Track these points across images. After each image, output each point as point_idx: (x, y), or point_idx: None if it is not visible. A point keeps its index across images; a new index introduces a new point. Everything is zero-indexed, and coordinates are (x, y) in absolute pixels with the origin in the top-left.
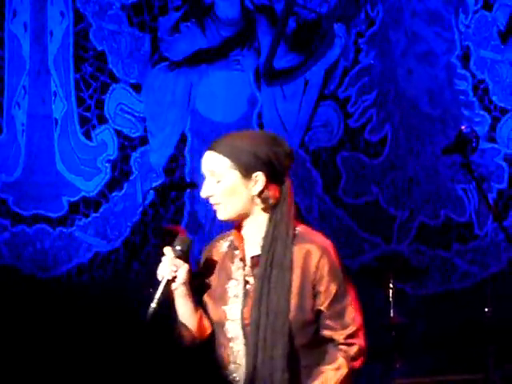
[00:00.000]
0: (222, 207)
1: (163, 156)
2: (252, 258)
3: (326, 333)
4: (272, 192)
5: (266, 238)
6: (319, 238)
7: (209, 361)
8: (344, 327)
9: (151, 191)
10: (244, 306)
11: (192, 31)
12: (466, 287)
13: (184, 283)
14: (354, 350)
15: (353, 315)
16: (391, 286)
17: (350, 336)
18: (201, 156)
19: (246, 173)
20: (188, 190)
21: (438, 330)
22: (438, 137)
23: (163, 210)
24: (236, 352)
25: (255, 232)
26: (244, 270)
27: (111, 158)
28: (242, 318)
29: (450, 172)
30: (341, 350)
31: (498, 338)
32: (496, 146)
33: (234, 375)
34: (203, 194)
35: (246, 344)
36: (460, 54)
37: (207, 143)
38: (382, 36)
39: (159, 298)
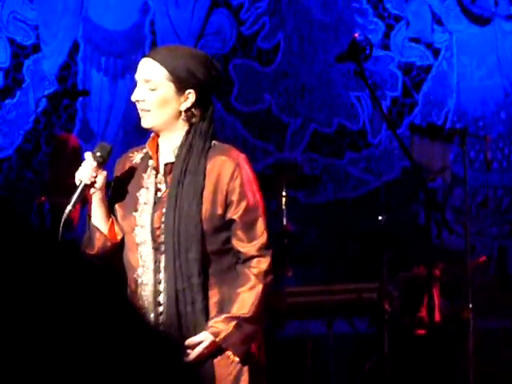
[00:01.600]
0: (149, 115)
1: (56, 64)
2: (166, 165)
3: (236, 244)
4: (197, 111)
5: (181, 147)
6: (234, 151)
7: (112, 270)
8: (254, 239)
9: (43, 99)
10: (154, 211)
11: None
12: (359, 196)
13: (101, 188)
14: (264, 265)
15: (263, 228)
16: (284, 193)
17: (260, 248)
18: (93, 64)
19: (180, 87)
20: (80, 98)
21: (331, 238)
22: (331, 44)
23: (55, 118)
24: (145, 256)
25: (171, 144)
26: (156, 177)
27: (4, 66)
28: (152, 223)
29: (343, 80)
30: (251, 267)
31: (392, 246)
32: (390, 53)
33: (142, 278)
34: (135, 97)
35: (154, 248)
36: None
37: (99, 51)
38: None
39: (75, 201)
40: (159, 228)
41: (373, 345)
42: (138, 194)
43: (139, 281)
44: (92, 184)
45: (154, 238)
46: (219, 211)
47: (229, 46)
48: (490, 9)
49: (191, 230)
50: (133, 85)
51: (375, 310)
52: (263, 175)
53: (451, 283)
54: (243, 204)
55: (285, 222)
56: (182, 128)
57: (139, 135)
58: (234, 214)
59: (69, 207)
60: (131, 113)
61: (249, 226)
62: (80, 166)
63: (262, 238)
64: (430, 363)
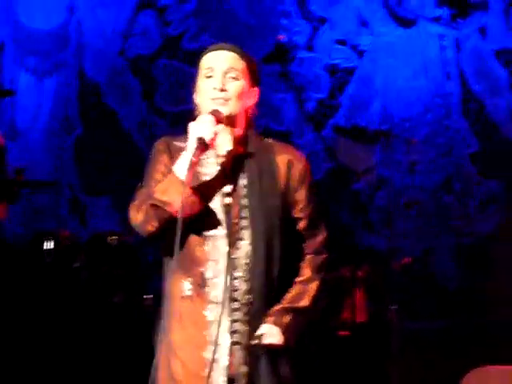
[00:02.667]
0: (231, 103)
1: None
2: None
3: (300, 240)
4: (253, 111)
5: (247, 141)
6: (297, 150)
7: None
8: (316, 235)
9: None
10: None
11: None
12: None
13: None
14: (321, 259)
15: (323, 227)
16: None
17: (322, 244)
18: (18, 63)
19: (252, 83)
20: (7, 98)
21: None
22: (256, 46)
23: None
24: (216, 251)
25: (231, 137)
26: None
27: None
28: (228, 218)
29: (268, 81)
30: (309, 261)
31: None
32: (315, 55)
33: (212, 274)
34: (218, 85)
35: (230, 243)
36: None
37: (26, 50)
38: None
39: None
40: (237, 224)
41: (297, 346)
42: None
43: (206, 275)
44: (206, 146)
45: (231, 233)
46: (290, 208)
47: (154, 47)
48: (415, 11)
49: (275, 228)
50: (59, 83)
51: None
52: None
53: (375, 284)
54: (311, 204)
55: None
56: (241, 122)
57: (66, 134)
58: (303, 212)
59: (185, 168)
60: (58, 112)
61: (313, 225)
62: (3, 164)
63: (322, 235)
64: (354, 364)
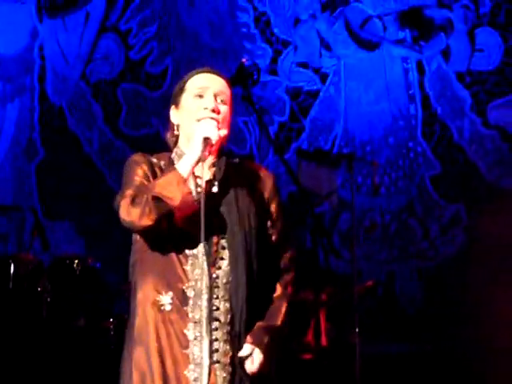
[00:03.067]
0: (222, 127)
1: None
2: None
3: (276, 255)
4: (226, 139)
5: (218, 163)
6: (263, 167)
7: None
8: (286, 251)
9: None
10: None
11: None
12: None
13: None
14: (289, 277)
15: (290, 241)
16: None
17: (291, 260)
18: None
19: (231, 112)
20: None
21: None
22: (219, 69)
23: None
24: (197, 270)
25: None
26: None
27: None
28: (209, 238)
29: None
30: (280, 277)
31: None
32: (277, 78)
33: (193, 292)
34: (212, 104)
35: (210, 262)
36: None
37: None
38: None
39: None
40: (217, 243)
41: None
42: None
43: (188, 294)
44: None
45: (211, 253)
46: (265, 224)
47: (117, 71)
48: (378, 33)
49: (253, 247)
50: (21, 108)
51: None
52: None
53: (338, 307)
54: (281, 218)
55: None
56: (216, 148)
57: (28, 159)
58: (275, 226)
59: (189, 166)
60: (19, 136)
61: (283, 240)
62: None
63: (290, 251)
64: None
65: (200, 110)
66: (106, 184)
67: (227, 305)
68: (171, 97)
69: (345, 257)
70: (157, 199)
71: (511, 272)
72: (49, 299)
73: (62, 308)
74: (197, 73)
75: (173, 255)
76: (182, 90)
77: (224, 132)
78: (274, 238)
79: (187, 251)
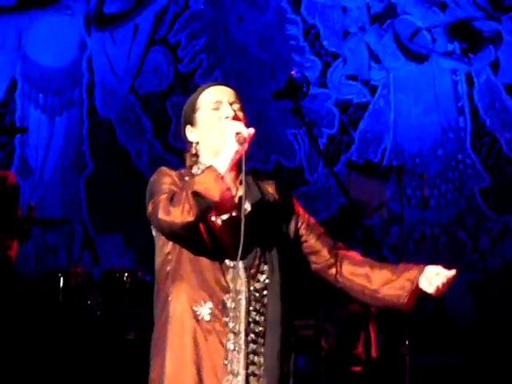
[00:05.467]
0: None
1: None
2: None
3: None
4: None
5: (239, 176)
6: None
7: None
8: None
9: None
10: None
11: None
12: None
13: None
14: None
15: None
16: None
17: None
18: (30, 101)
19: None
20: (18, 135)
21: None
22: (268, 81)
23: None
24: (236, 281)
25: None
26: None
27: None
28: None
29: (280, 117)
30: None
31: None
32: (326, 91)
33: (233, 304)
34: (232, 113)
35: (249, 275)
36: None
37: (37, 88)
38: None
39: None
40: (259, 256)
41: (310, 382)
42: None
43: (228, 305)
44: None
45: (252, 266)
46: (296, 227)
47: (166, 84)
48: (427, 46)
49: (287, 261)
50: (70, 121)
51: (312, 347)
52: None
53: (387, 319)
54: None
55: None
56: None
57: (77, 172)
58: (310, 221)
59: (226, 162)
60: (68, 150)
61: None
62: (16, 202)
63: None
64: None
65: (221, 120)
66: None
67: (263, 318)
68: (182, 119)
69: None
70: (196, 195)
71: None
72: (99, 312)
73: (112, 321)
74: (207, 88)
75: (213, 266)
76: (194, 108)
77: (252, 130)
78: (320, 231)
79: (227, 262)
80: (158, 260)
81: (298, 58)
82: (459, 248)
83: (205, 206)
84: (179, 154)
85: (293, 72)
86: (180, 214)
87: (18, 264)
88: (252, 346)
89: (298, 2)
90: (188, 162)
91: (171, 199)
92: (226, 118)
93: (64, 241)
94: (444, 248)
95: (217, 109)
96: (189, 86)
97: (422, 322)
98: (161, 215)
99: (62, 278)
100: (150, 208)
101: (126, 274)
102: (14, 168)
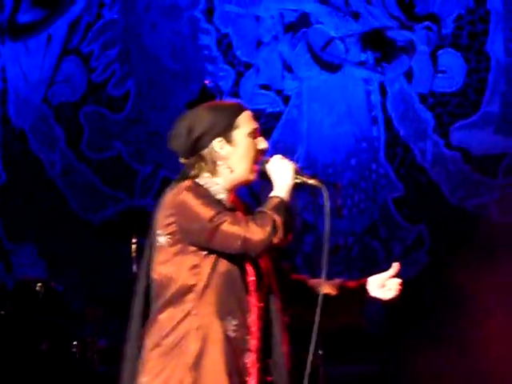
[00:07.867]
0: None
1: None
2: None
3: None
4: None
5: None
6: None
7: None
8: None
9: None
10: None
11: None
12: None
13: None
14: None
15: None
16: (134, 240)
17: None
18: None
19: None
20: None
21: None
22: (181, 91)
23: None
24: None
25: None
26: None
27: None
28: (260, 268)
29: None
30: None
31: None
32: (240, 100)
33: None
34: (268, 146)
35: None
36: (204, 8)
37: None
38: None
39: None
40: (267, 274)
41: None
42: None
43: (250, 323)
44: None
45: (260, 288)
46: None
47: (79, 93)
48: (340, 55)
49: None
50: None
51: None
52: (113, 222)
53: (300, 329)
54: None
55: (134, 269)
56: None
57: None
58: None
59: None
60: None
61: None
62: None
63: None
64: None
65: (260, 152)
66: (68, 207)
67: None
68: (213, 126)
69: None
70: (277, 214)
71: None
72: (12, 323)
73: (25, 331)
74: (244, 109)
75: (242, 285)
76: (232, 125)
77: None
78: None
79: (250, 286)
80: (171, 272)
81: (211, 67)
82: (373, 257)
83: (288, 228)
84: (92, 163)
85: (207, 81)
86: (270, 235)
87: None
88: (262, 363)
89: (211, 10)
90: (194, 171)
91: (254, 221)
92: (263, 152)
93: None
94: (357, 257)
95: (255, 137)
96: (102, 96)
97: (336, 332)
98: (255, 236)
99: None
100: (233, 229)
101: (39, 284)
102: None
